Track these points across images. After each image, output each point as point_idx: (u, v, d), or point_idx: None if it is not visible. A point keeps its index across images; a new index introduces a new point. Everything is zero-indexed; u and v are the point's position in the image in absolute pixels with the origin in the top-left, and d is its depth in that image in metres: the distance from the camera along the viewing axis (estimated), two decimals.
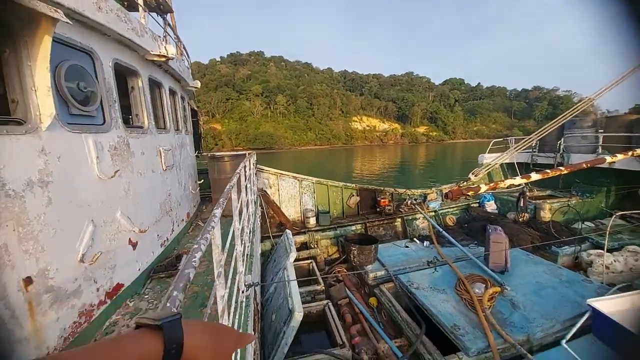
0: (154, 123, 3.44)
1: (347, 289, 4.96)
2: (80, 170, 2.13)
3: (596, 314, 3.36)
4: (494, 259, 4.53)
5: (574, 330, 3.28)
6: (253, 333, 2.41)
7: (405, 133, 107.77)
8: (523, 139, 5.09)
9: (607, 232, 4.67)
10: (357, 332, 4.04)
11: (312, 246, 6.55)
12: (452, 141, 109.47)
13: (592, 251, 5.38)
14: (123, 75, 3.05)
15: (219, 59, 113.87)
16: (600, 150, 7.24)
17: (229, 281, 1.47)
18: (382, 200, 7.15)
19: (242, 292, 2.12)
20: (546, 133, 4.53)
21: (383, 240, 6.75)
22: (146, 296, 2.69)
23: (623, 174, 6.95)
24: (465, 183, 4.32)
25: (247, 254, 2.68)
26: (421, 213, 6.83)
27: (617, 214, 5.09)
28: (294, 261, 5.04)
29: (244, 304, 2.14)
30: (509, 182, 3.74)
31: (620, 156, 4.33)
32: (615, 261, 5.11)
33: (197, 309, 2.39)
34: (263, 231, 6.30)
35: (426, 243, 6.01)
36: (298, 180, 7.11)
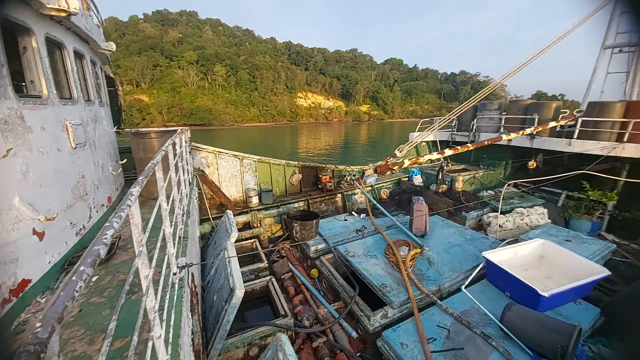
0: (55, 92, 2.91)
1: (290, 264, 5.19)
2: None
3: (488, 263, 4.19)
4: (416, 225, 5.22)
5: (470, 277, 4.07)
6: (190, 315, 2.42)
7: (349, 111, 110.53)
8: (443, 119, 5.77)
9: (501, 198, 5.75)
10: (299, 302, 4.32)
11: (255, 225, 6.56)
12: (391, 120, 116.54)
13: (490, 214, 6.58)
14: (12, 33, 2.49)
15: (142, 17, 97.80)
16: (502, 129, 8.64)
17: (156, 262, 1.44)
18: (324, 177, 7.44)
19: (175, 274, 2.08)
20: (458, 114, 5.20)
21: (325, 215, 7.11)
22: None
23: (518, 150, 8.47)
24: (392, 159, 4.77)
25: (179, 236, 2.59)
26: (359, 188, 7.35)
27: (508, 183, 6.28)
28: (237, 241, 5.02)
29: (176, 286, 2.11)
30: (427, 157, 4.27)
31: (514, 135, 5.27)
32: (506, 221, 6.36)
33: (123, 296, 2.26)
34: (202, 213, 6.04)
35: (363, 215, 6.54)
36: (239, 158, 6.89)
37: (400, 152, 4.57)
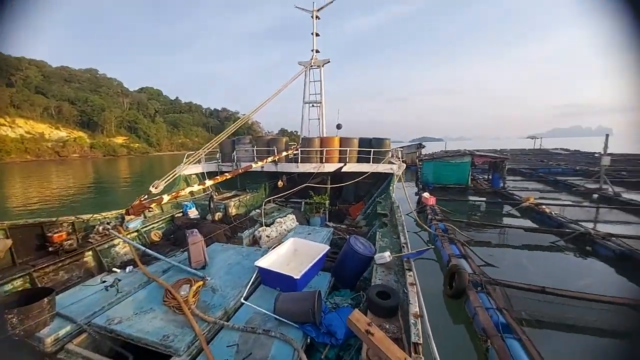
0: None
1: None
2: None
3: (260, 270, 4.95)
4: (195, 258, 5.16)
5: (247, 288, 4.63)
6: None
7: (96, 144, 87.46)
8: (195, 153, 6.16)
9: (263, 214, 7.02)
10: None
11: None
12: (159, 153, 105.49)
13: (260, 229, 7.80)
14: None
15: None
16: (255, 159, 10.63)
17: None
18: (57, 235, 5.43)
19: None
20: (209, 148, 5.84)
21: (67, 286, 5.20)
22: None
23: (270, 174, 10.70)
24: (146, 197, 4.48)
25: None
26: (119, 237, 6.07)
27: (265, 201, 7.83)
28: None
29: None
30: (188, 189, 4.43)
31: (260, 163, 6.69)
32: (272, 231, 7.79)
33: None
34: None
35: (129, 268, 5.47)
36: None
37: (156, 188, 4.34)
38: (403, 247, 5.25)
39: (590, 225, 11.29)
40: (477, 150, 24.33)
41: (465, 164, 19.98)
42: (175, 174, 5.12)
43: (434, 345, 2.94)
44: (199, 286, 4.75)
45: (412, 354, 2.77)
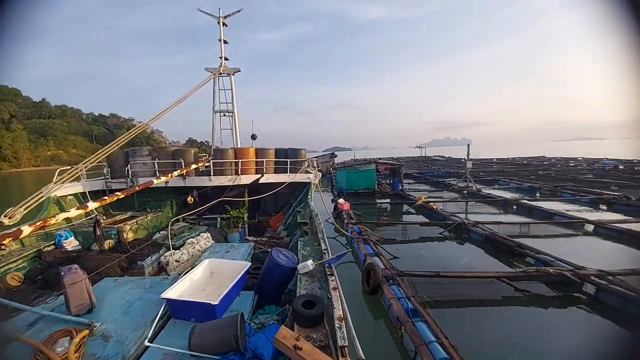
0: None
1: None
2: None
3: (168, 302, 4.26)
4: (75, 301, 4.06)
5: (153, 327, 3.92)
6: None
7: None
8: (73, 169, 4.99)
9: (169, 235, 6.13)
10: None
11: None
12: (17, 170, 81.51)
13: (166, 253, 6.78)
14: None
15: None
16: (157, 173, 9.28)
17: None
18: None
19: None
20: (96, 161, 4.83)
21: None
22: None
23: (177, 190, 9.51)
24: None
25: None
26: None
27: (172, 220, 6.89)
28: None
29: None
30: (63, 215, 3.48)
31: (164, 178, 5.86)
32: (182, 255, 6.87)
33: None
34: None
35: None
36: None
37: (10, 218, 3.22)
38: (324, 253, 5.41)
39: (463, 215, 14.25)
40: (380, 159, 27.66)
41: (371, 170, 22.40)
42: (42, 197, 3.90)
43: (359, 345, 3.08)
44: (84, 336, 3.73)
45: (340, 358, 2.83)
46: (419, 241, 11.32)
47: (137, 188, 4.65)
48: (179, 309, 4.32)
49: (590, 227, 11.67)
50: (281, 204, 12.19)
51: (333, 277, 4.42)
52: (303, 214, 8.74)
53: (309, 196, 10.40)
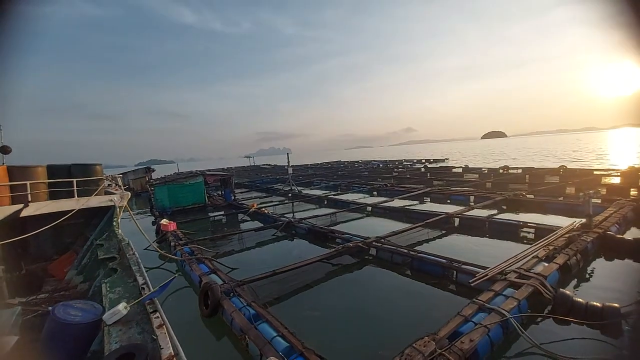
0: None
1: None
2: None
3: None
4: None
5: None
6: None
7: None
8: None
9: None
10: None
11: None
12: None
13: None
14: None
15: None
16: None
17: None
18: None
19: None
20: None
21: None
22: None
23: None
24: None
25: None
26: None
27: None
28: None
29: None
30: None
31: None
32: None
33: None
34: None
35: None
36: None
37: None
38: (143, 288, 4.43)
39: (291, 215, 16.11)
40: (208, 170, 26.21)
41: (199, 183, 20.78)
42: None
43: None
44: None
45: None
46: (256, 246, 11.64)
47: None
48: None
49: (369, 209, 16.44)
50: (68, 241, 8.84)
51: (157, 314, 3.69)
52: (107, 247, 6.77)
53: (114, 223, 8.17)
